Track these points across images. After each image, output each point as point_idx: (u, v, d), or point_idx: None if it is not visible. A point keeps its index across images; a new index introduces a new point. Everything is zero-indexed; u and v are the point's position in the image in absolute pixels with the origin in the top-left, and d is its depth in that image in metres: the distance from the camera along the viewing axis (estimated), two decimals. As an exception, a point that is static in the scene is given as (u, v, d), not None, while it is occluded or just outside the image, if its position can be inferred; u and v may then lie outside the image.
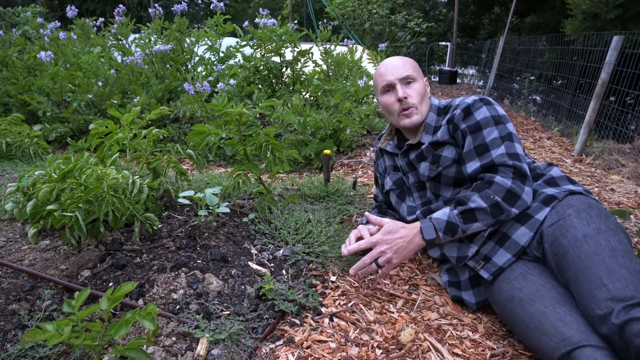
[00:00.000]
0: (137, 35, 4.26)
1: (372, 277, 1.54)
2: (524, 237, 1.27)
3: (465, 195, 1.33)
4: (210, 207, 1.68)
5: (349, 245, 1.39)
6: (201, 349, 1.08)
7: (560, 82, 5.00)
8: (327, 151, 2.19)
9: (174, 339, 1.12)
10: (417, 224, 1.33)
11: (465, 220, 1.29)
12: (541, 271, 1.21)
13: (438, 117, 1.53)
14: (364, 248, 1.35)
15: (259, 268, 1.49)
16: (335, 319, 1.29)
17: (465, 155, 1.39)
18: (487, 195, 1.29)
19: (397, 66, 1.51)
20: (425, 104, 1.52)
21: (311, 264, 1.57)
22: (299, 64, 4.11)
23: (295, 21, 4.67)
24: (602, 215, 1.20)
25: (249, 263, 1.52)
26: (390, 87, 1.51)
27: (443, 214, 1.32)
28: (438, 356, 1.16)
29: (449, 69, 9.23)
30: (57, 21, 4.27)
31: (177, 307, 1.23)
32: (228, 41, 4.45)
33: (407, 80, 1.50)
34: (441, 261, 1.60)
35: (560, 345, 1.02)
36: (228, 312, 1.23)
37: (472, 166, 1.37)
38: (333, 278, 1.50)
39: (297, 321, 1.27)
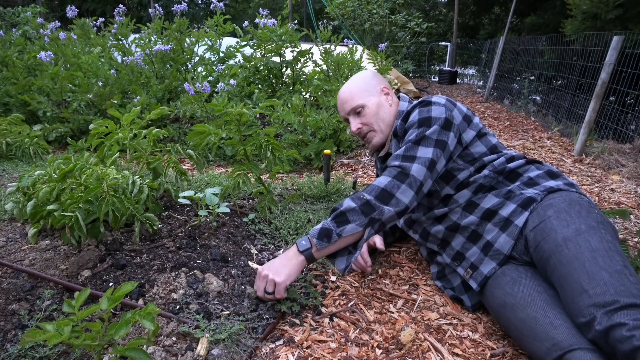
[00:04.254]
0: (137, 35, 4.26)
1: (372, 277, 1.54)
2: (506, 245, 1.26)
3: (340, 202, 1.34)
4: (210, 207, 1.68)
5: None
6: (201, 349, 1.08)
7: (560, 82, 5.00)
8: (327, 151, 2.19)
9: (174, 339, 1.12)
10: (295, 244, 1.31)
11: (338, 223, 1.27)
12: (532, 274, 1.21)
13: (403, 123, 1.52)
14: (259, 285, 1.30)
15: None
16: (335, 319, 1.29)
17: None
18: (358, 196, 1.30)
19: (344, 101, 1.55)
20: (383, 120, 1.53)
21: (311, 264, 1.57)
22: (299, 64, 4.11)
23: (295, 21, 4.68)
24: (582, 212, 1.18)
25: (249, 263, 1.52)
26: (346, 120, 1.60)
27: (320, 223, 1.31)
28: (438, 356, 1.16)
29: (449, 69, 9.23)
30: (57, 21, 4.27)
31: (177, 307, 1.23)
32: (228, 41, 4.45)
33: (356, 111, 1.53)
34: (427, 260, 1.61)
35: (552, 350, 1.02)
36: (228, 312, 1.23)
37: None
38: (333, 278, 1.50)
39: (297, 321, 1.27)
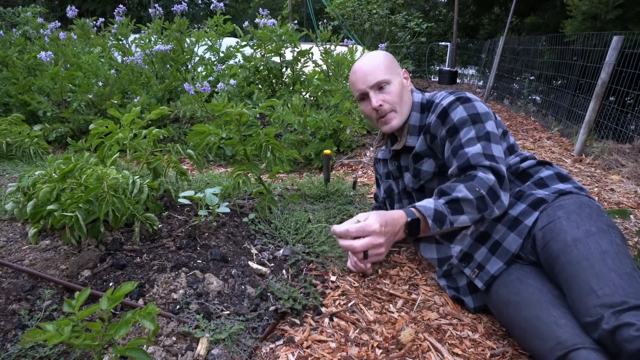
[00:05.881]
0: (137, 35, 4.27)
1: (372, 277, 1.54)
2: (514, 244, 1.25)
3: (448, 185, 1.23)
4: (210, 207, 1.68)
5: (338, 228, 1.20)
6: (201, 348, 1.08)
7: (560, 82, 5.00)
8: (327, 151, 2.19)
9: (174, 338, 1.12)
10: (403, 215, 1.20)
11: (452, 210, 1.18)
12: (537, 274, 1.21)
13: (422, 114, 1.46)
14: (354, 234, 1.18)
15: (259, 268, 1.49)
16: (335, 319, 1.29)
17: (447, 162, 1.35)
18: (472, 187, 1.20)
19: (367, 72, 1.42)
20: (405, 103, 1.44)
21: (311, 264, 1.57)
22: (299, 64, 4.11)
23: (295, 21, 4.68)
24: (593, 215, 1.18)
25: (249, 263, 1.52)
26: (364, 96, 1.45)
27: (428, 202, 1.20)
28: (438, 356, 1.16)
29: (449, 69, 9.22)
30: (57, 21, 4.27)
31: (177, 307, 1.23)
32: (228, 41, 4.46)
33: (379, 86, 1.42)
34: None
35: (556, 348, 1.02)
36: (228, 312, 1.23)
37: (450, 171, 1.32)
38: (333, 278, 1.51)
39: (297, 321, 1.27)
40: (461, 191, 1.19)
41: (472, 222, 1.22)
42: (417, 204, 1.22)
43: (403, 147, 1.50)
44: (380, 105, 1.41)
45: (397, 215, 1.19)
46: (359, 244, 1.14)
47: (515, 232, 1.26)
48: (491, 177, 1.22)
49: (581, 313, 1.02)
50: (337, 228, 1.16)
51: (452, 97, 1.38)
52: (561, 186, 1.32)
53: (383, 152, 1.64)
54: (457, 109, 1.34)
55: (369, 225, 1.15)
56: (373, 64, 1.43)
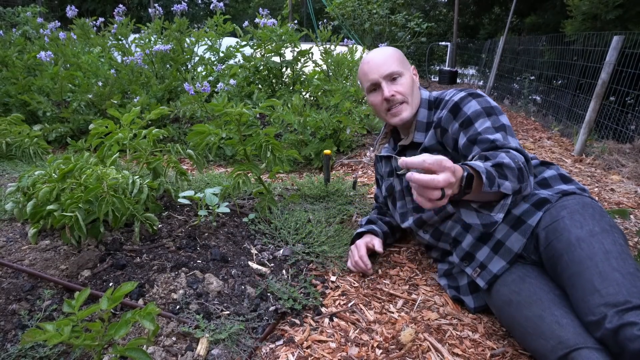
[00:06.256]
0: (137, 35, 4.26)
1: (372, 277, 1.54)
2: (517, 244, 1.25)
3: (490, 153, 1.16)
4: (210, 207, 1.68)
5: (411, 173, 0.97)
6: (201, 349, 1.08)
7: (560, 82, 5.00)
8: (327, 151, 2.19)
9: (174, 339, 1.12)
10: (460, 169, 1.04)
11: (498, 174, 1.09)
12: (539, 274, 1.21)
13: (429, 111, 1.46)
14: (429, 166, 0.96)
15: (259, 268, 1.49)
16: (335, 319, 1.29)
17: (463, 150, 1.31)
18: (512, 157, 1.15)
19: (380, 63, 1.42)
20: (415, 97, 1.45)
21: (311, 264, 1.57)
22: (299, 64, 4.11)
23: (295, 21, 4.68)
24: (596, 215, 1.18)
25: (249, 263, 1.52)
26: (375, 86, 1.45)
27: (477, 162, 1.10)
28: (438, 356, 1.16)
29: (449, 69, 9.22)
30: (57, 21, 4.28)
31: (177, 307, 1.23)
32: (228, 41, 4.46)
33: (392, 77, 1.42)
34: (436, 260, 1.60)
35: (557, 347, 1.01)
36: (228, 312, 1.23)
37: (472, 155, 1.27)
38: (333, 278, 1.51)
39: (297, 321, 1.27)
40: (504, 158, 1.13)
41: (512, 192, 1.15)
42: (468, 162, 1.11)
43: (410, 143, 1.49)
44: (393, 95, 1.41)
45: (457, 167, 1.04)
46: (442, 177, 0.95)
47: (519, 231, 1.26)
48: (521, 156, 1.20)
49: (584, 312, 1.02)
50: (410, 160, 0.98)
51: (463, 93, 1.38)
52: (564, 187, 1.32)
53: (386, 149, 1.64)
54: (470, 103, 1.34)
55: (446, 160, 0.98)
56: (386, 56, 1.44)
